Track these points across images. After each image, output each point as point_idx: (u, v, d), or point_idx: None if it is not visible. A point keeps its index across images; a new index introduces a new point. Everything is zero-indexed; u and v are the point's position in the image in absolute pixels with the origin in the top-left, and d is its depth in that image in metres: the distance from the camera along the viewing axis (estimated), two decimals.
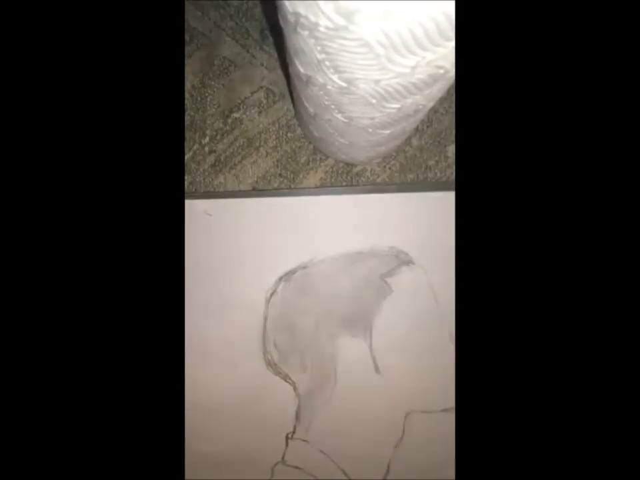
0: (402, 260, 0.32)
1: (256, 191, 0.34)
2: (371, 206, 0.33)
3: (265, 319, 0.32)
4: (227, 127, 0.35)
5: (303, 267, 0.32)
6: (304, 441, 0.31)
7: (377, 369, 0.32)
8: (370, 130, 0.24)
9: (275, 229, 0.33)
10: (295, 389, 0.32)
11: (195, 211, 0.33)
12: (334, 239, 0.32)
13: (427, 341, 0.32)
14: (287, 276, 0.32)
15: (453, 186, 0.33)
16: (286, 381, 0.32)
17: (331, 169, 0.35)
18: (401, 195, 0.33)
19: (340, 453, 0.31)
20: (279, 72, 0.35)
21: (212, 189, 0.34)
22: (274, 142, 0.35)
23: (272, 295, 0.32)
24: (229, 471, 0.31)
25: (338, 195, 0.33)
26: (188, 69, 0.35)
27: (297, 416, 0.31)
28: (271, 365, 0.32)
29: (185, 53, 0.35)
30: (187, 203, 0.33)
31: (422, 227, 0.32)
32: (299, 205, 0.33)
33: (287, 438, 0.31)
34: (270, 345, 0.32)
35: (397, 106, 0.20)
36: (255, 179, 0.34)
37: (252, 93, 0.35)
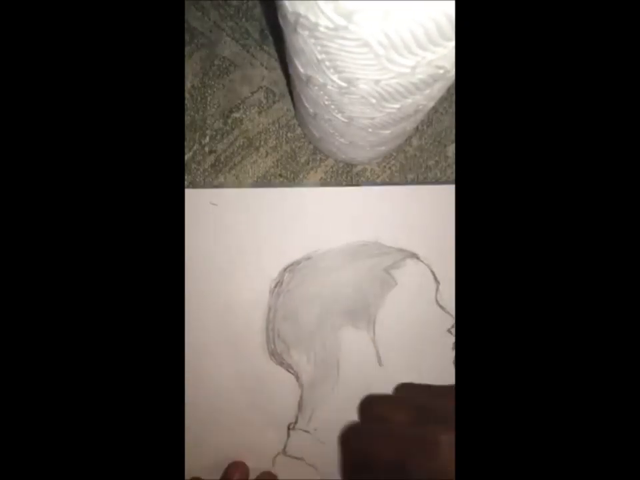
0: (407, 253, 0.32)
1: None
2: (376, 198, 0.33)
3: (269, 309, 0.32)
4: (227, 127, 0.35)
5: (307, 257, 0.32)
6: (305, 431, 0.31)
7: (379, 360, 0.32)
8: (370, 130, 0.24)
9: (279, 219, 0.33)
10: (297, 379, 0.31)
11: (199, 201, 0.33)
12: (338, 230, 0.33)
13: (430, 334, 0.32)
14: (292, 267, 0.32)
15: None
16: (288, 371, 0.31)
17: (331, 169, 0.35)
18: (407, 187, 0.33)
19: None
20: (279, 72, 0.35)
21: (212, 189, 0.34)
22: (274, 142, 0.35)
23: (276, 285, 0.32)
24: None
25: (344, 187, 0.33)
26: (188, 69, 0.35)
27: (299, 406, 0.31)
28: (274, 355, 0.32)
29: (185, 53, 0.35)
30: (191, 193, 0.33)
31: (428, 219, 0.32)
32: (304, 195, 0.33)
33: (288, 428, 0.31)
34: (274, 335, 0.32)
35: (397, 106, 0.20)
36: (255, 179, 0.34)
37: (252, 93, 0.35)
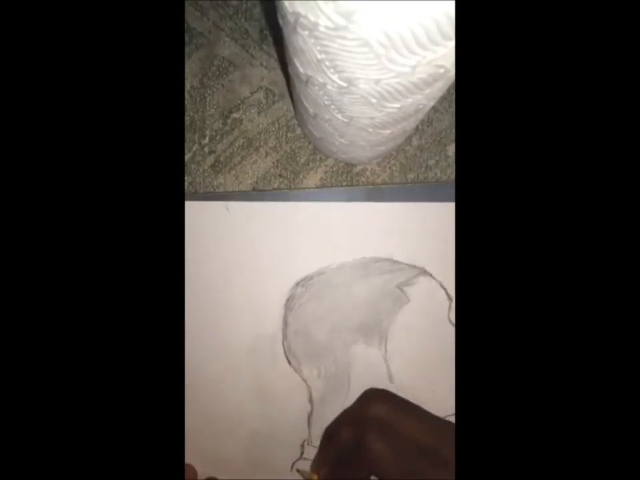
0: (420, 269, 0.32)
1: (257, 192, 0.34)
2: (390, 214, 0.33)
3: (281, 324, 0.32)
4: (227, 128, 0.35)
5: (320, 272, 0.32)
6: (315, 447, 0.31)
7: (390, 378, 0.31)
8: (370, 130, 0.24)
9: (292, 233, 0.32)
10: (308, 395, 0.31)
11: (207, 214, 0.32)
12: (352, 245, 0.32)
13: (442, 352, 0.31)
14: (304, 281, 0.32)
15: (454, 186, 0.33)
16: (299, 386, 0.31)
17: (331, 169, 0.35)
18: (420, 204, 0.33)
19: None
20: (279, 72, 0.35)
21: (212, 190, 0.34)
22: (274, 142, 0.35)
23: (288, 300, 0.32)
24: (242, 475, 0.31)
25: (359, 202, 0.33)
26: (187, 70, 0.35)
27: (309, 422, 0.31)
28: (285, 370, 0.31)
29: (184, 54, 0.35)
30: (198, 204, 0.32)
31: (442, 236, 0.32)
32: (317, 209, 0.33)
33: (302, 445, 0.31)
34: (286, 350, 0.31)
35: (397, 105, 0.20)
36: (255, 179, 0.34)
37: (251, 93, 0.35)
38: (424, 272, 0.32)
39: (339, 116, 0.23)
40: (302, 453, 0.31)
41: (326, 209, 0.33)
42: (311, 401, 0.31)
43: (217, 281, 0.32)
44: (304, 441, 0.31)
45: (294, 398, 0.31)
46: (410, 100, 0.20)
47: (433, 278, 0.32)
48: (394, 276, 0.32)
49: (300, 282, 0.32)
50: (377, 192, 0.33)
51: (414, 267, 0.32)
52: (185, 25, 0.34)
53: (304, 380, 0.31)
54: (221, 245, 0.32)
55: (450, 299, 0.32)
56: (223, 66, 0.35)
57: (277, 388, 0.31)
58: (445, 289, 0.32)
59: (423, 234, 0.32)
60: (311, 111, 0.25)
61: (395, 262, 0.32)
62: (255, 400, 0.31)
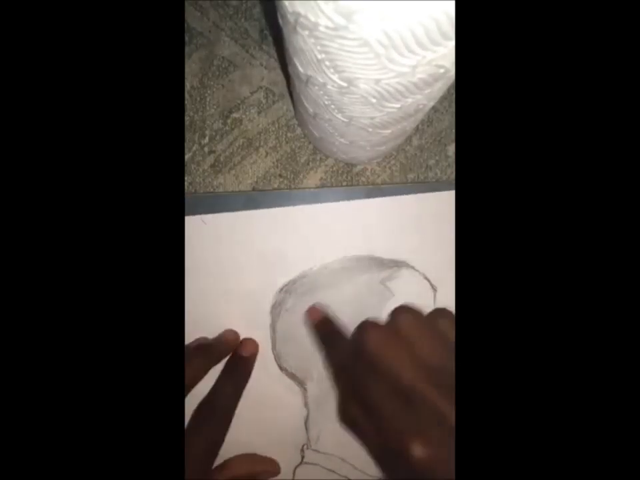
0: (401, 263, 0.32)
1: (255, 193, 0.34)
2: (367, 210, 0.33)
3: (269, 331, 0.32)
4: (227, 127, 0.35)
5: (303, 276, 0.32)
6: (315, 450, 0.31)
7: None
8: (370, 130, 0.24)
9: (272, 239, 0.32)
10: (303, 399, 0.31)
11: (189, 223, 0.32)
12: (332, 245, 0.32)
13: None
14: (287, 286, 0.32)
15: (453, 185, 0.33)
16: (293, 392, 0.31)
17: (331, 169, 0.35)
18: (399, 197, 0.33)
19: (354, 458, 0.31)
20: (279, 72, 0.35)
21: (212, 189, 0.34)
22: (274, 142, 0.35)
23: (273, 306, 0.32)
24: None
25: (335, 202, 0.33)
26: (187, 70, 0.35)
27: (307, 426, 0.31)
28: (278, 377, 0.31)
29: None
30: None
31: (420, 227, 0.32)
32: (295, 213, 0.32)
33: (301, 450, 0.31)
34: (276, 357, 0.31)
35: (398, 105, 0.20)
36: (255, 179, 0.34)
37: (251, 93, 0.35)
38: (406, 265, 0.32)
39: (339, 116, 0.23)
40: (302, 457, 0.31)
41: (303, 212, 0.32)
42: (306, 405, 0.31)
43: (202, 293, 0.32)
44: (303, 445, 0.31)
45: (289, 403, 0.31)
46: (410, 100, 0.20)
47: (416, 270, 0.32)
48: (376, 271, 0.32)
49: (283, 287, 0.32)
50: (377, 192, 0.33)
51: (395, 261, 0.32)
52: (185, 25, 0.34)
53: (297, 385, 0.31)
54: (202, 257, 0.32)
55: (434, 289, 0.32)
56: (223, 66, 0.35)
57: (271, 395, 0.31)
58: (428, 280, 0.32)
59: (401, 227, 0.32)
60: (311, 110, 0.25)
61: (376, 258, 0.32)
62: (250, 410, 0.31)
